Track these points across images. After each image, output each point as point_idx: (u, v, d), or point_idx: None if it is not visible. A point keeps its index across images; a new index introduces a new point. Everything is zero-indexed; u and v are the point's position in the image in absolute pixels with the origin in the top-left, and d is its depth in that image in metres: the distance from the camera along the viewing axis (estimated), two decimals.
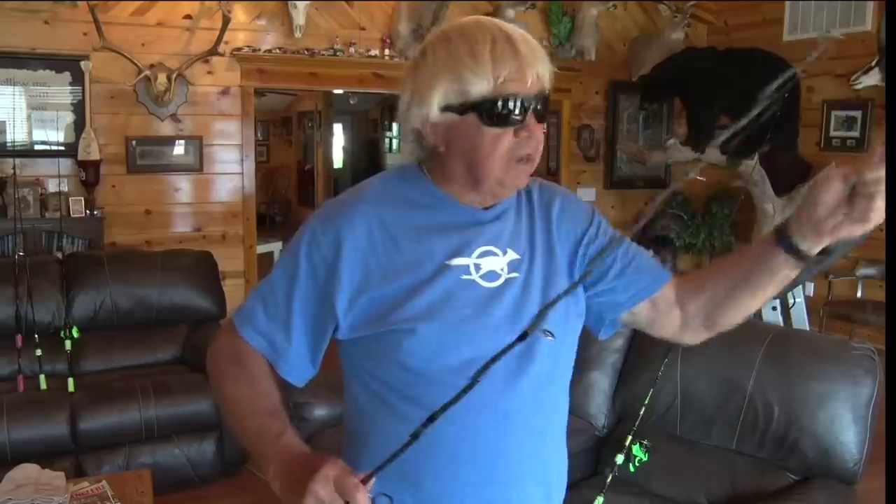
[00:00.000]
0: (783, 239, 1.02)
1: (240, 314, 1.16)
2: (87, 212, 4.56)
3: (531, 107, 1.04)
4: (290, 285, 1.11)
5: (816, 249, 1.01)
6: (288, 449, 0.99)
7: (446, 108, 1.05)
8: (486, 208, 1.13)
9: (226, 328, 1.19)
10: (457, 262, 1.09)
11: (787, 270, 1.05)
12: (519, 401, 1.08)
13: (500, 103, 1.02)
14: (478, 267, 1.10)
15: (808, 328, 4.43)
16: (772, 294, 1.11)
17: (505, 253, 1.12)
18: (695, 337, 1.22)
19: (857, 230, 0.95)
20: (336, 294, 1.07)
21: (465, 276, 1.08)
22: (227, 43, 4.89)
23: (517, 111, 1.03)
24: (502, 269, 1.11)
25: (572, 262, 1.18)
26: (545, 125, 1.10)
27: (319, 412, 2.83)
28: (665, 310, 1.20)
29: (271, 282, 1.14)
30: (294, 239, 1.14)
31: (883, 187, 0.89)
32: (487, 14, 6.00)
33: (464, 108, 1.04)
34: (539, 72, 1.05)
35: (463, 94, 1.03)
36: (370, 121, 12.97)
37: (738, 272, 1.11)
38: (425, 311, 1.05)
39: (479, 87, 1.02)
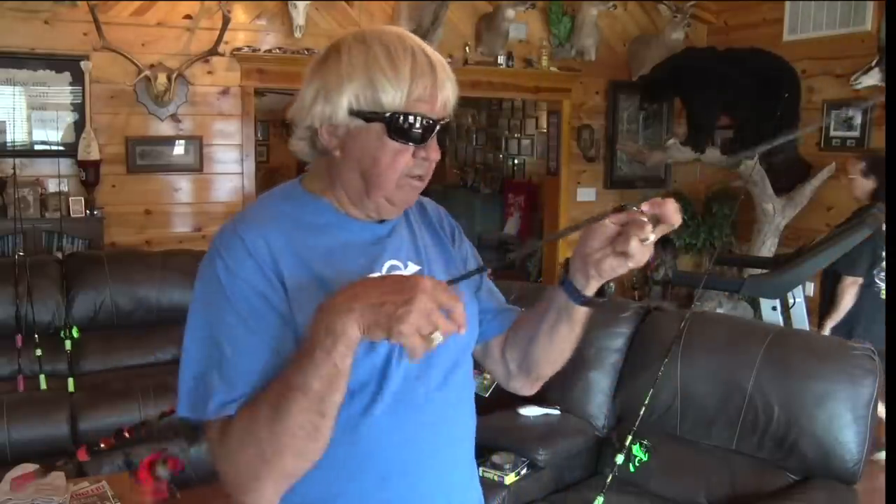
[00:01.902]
0: (564, 280, 1.08)
1: (207, 406, 0.95)
2: (87, 212, 4.55)
3: (435, 130, 1.03)
4: (237, 326, 0.97)
5: (591, 288, 1.05)
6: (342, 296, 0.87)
7: (353, 113, 1.01)
8: (380, 222, 1.11)
9: (213, 435, 0.97)
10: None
11: (572, 312, 1.09)
12: (442, 411, 1.09)
13: (409, 119, 1.00)
14: None
15: (808, 328, 4.43)
16: (572, 338, 1.14)
17: (406, 266, 1.11)
18: (522, 387, 1.24)
19: (620, 266, 0.99)
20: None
21: None
22: (227, 43, 4.88)
23: (422, 131, 1.02)
24: None
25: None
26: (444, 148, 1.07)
27: None
28: (494, 356, 1.24)
29: (217, 344, 0.97)
30: (203, 285, 1.01)
31: (646, 231, 0.94)
32: (487, 14, 6.01)
33: (372, 117, 1.00)
34: (447, 97, 1.03)
35: (375, 102, 1.00)
36: None
37: (537, 318, 1.14)
38: None
39: (393, 98, 0.99)
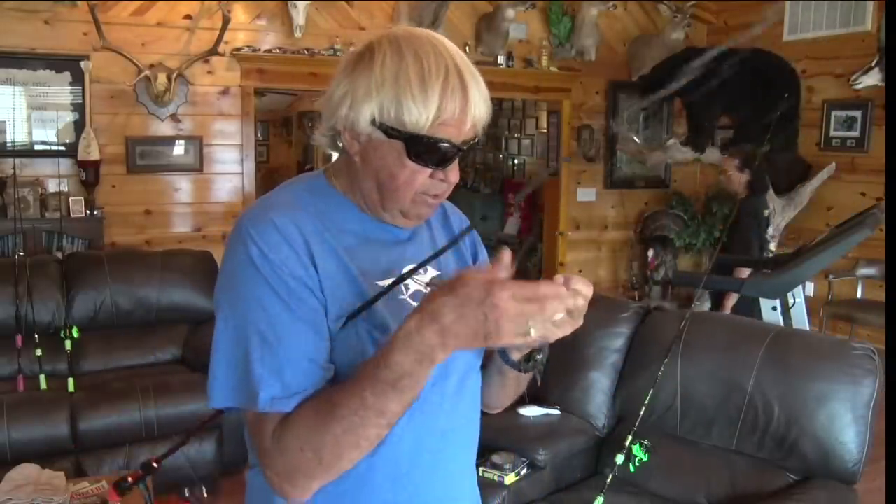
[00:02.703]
0: None
1: (256, 397, 0.93)
2: (87, 212, 4.56)
3: (458, 154, 1.00)
4: (285, 308, 0.95)
5: (513, 354, 1.07)
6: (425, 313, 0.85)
7: (375, 124, 0.98)
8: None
9: (262, 430, 0.95)
10: (389, 283, 1.03)
11: (502, 367, 1.10)
12: (456, 419, 1.09)
13: (430, 143, 0.97)
14: (406, 287, 1.06)
15: (808, 328, 4.43)
16: (503, 391, 1.17)
17: (426, 270, 1.08)
18: (486, 410, 1.23)
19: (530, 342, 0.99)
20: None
21: (400, 297, 1.05)
22: (227, 43, 4.88)
23: (444, 156, 0.99)
24: (425, 288, 1.08)
25: None
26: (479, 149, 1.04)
27: None
28: None
29: (257, 331, 0.95)
30: (234, 272, 0.97)
31: (546, 308, 0.85)
32: (487, 14, 6.00)
33: (393, 133, 0.97)
34: (478, 116, 0.99)
35: (398, 120, 0.96)
36: None
37: (486, 364, 1.15)
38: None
39: (417, 119, 0.95)
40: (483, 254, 1.23)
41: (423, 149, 0.97)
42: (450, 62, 0.97)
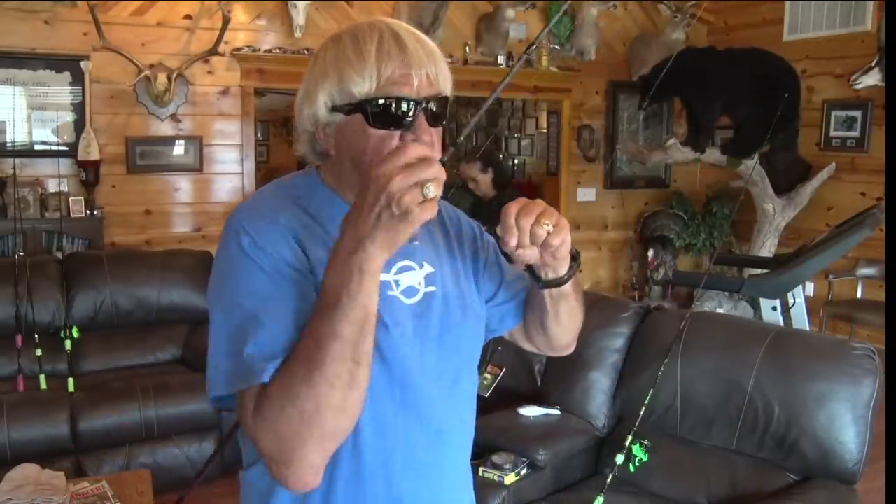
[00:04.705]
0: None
1: (241, 374, 0.93)
2: (87, 212, 4.55)
3: (418, 109, 0.99)
4: (271, 290, 0.96)
5: (549, 273, 1.06)
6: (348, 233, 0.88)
7: (334, 109, 1.01)
8: None
9: (246, 404, 0.94)
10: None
11: (549, 299, 1.10)
12: (451, 420, 1.10)
13: (383, 103, 0.98)
14: (397, 283, 1.06)
15: (808, 328, 4.43)
16: (555, 316, 1.15)
17: (421, 267, 1.09)
18: (562, 352, 1.26)
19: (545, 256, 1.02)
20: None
21: (389, 293, 1.05)
22: (227, 43, 4.88)
23: (402, 113, 0.98)
24: (419, 284, 1.08)
25: (476, 280, 1.19)
26: (441, 129, 1.03)
27: None
28: (522, 339, 1.27)
29: (252, 318, 0.94)
30: (227, 263, 0.99)
31: (432, 163, 0.85)
32: (487, 14, 5.99)
33: (349, 108, 1.00)
34: (430, 72, 1.00)
35: (347, 94, 0.99)
36: None
37: (534, 303, 1.16)
38: None
39: (362, 86, 0.98)
40: (482, 252, 1.23)
41: (379, 111, 0.98)
42: (384, 28, 1.00)
